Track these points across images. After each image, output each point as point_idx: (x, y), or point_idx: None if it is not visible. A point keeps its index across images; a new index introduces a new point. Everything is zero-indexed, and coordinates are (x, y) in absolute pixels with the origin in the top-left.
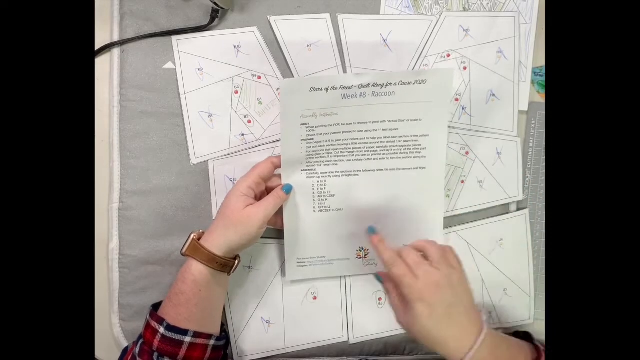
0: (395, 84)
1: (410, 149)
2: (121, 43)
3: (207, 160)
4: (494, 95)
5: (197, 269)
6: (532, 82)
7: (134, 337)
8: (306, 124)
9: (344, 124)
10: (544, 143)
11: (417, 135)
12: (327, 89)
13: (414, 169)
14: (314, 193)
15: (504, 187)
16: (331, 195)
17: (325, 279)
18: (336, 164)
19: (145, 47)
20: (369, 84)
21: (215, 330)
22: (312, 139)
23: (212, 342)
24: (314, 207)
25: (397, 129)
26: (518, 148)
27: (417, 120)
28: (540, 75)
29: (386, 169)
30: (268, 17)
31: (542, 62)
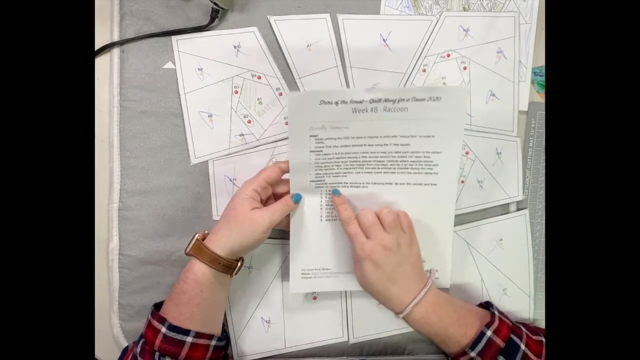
0: (408, 100)
1: (421, 165)
2: (121, 43)
3: (207, 160)
4: (494, 95)
5: (199, 269)
6: (532, 82)
7: (134, 337)
8: (315, 136)
9: (354, 137)
10: (544, 143)
11: (429, 152)
12: (337, 103)
13: (424, 184)
14: (321, 202)
15: (503, 187)
16: None
17: None
18: (345, 176)
19: (145, 47)
20: (380, 99)
21: (217, 330)
22: (321, 151)
23: (213, 342)
24: (321, 216)
25: (409, 144)
26: (518, 148)
27: (429, 137)
28: (540, 75)
29: (396, 183)
30: (268, 17)
31: (542, 62)
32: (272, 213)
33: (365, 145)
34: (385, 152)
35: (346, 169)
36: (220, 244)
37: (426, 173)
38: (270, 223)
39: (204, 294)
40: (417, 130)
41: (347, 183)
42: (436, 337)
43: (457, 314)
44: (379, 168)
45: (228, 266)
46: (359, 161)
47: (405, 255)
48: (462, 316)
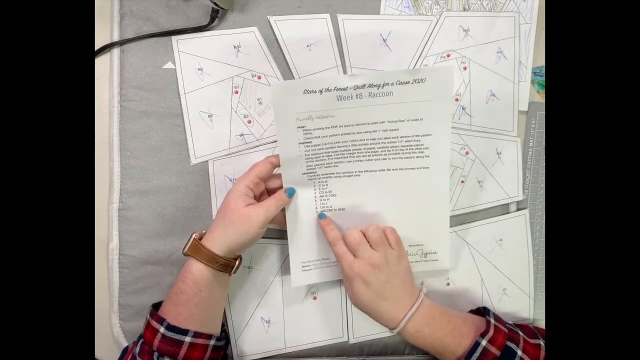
0: (392, 84)
1: (412, 149)
2: (121, 43)
3: (207, 160)
4: (494, 95)
5: (197, 268)
6: (532, 82)
7: (134, 337)
8: (303, 127)
9: (341, 126)
10: (544, 143)
11: (419, 135)
12: (321, 91)
13: (417, 169)
14: (315, 193)
15: (503, 187)
16: (332, 195)
17: None
18: (337, 166)
19: (145, 47)
20: (364, 85)
21: (216, 330)
22: (310, 142)
23: (212, 342)
24: (316, 208)
25: (398, 129)
26: (518, 148)
27: (418, 119)
28: (540, 75)
29: (388, 170)
30: (268, 17)
31: (542, 62)
32: (267, 208)
33: (353, 133)
34: (374, 139)
35: (337, 158)
36: (217, 243)
37: (417, 157)
38: (266, 218)
39: (203, 293)
40: (404, 114)
41: (339, 173)
42: (432, 349)
43: (451, 325)
44: (369, 155)
45: (226, 265)
46: (350, 150)
47: (394, 271)
48: (456, 327)
